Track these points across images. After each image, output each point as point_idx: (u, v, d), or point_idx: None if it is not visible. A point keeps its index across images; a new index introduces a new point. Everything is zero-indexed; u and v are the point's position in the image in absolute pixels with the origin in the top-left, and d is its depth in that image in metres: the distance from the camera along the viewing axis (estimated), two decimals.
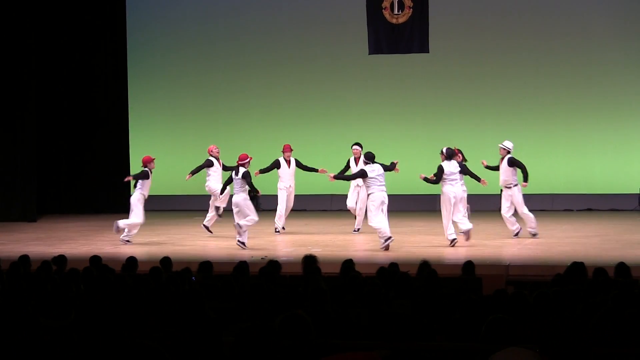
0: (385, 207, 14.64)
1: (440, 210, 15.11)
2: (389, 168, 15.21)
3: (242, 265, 9.92)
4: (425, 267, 9.70)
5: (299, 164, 17.01)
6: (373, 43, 20.36)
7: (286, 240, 16.12)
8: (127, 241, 15.76)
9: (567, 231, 16.95)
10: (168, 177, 22.92)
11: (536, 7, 20.96)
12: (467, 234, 14.75)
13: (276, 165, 16.84)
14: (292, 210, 17.34)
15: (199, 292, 7.26)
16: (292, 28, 22.17)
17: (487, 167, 16.32)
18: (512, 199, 15.77)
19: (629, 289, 7.60)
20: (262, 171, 16.65)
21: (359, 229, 16.77)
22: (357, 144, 16.80)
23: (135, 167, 22.74)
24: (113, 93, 22.73)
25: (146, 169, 15.99)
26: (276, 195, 17.05)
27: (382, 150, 19.65)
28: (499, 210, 16.28)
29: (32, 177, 21.15)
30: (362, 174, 14.73)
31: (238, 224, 14.78)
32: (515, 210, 15.95)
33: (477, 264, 10.43)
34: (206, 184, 16.87)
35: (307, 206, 20.93)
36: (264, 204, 19.79)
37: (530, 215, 15.76)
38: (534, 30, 20.95)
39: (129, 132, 22.71)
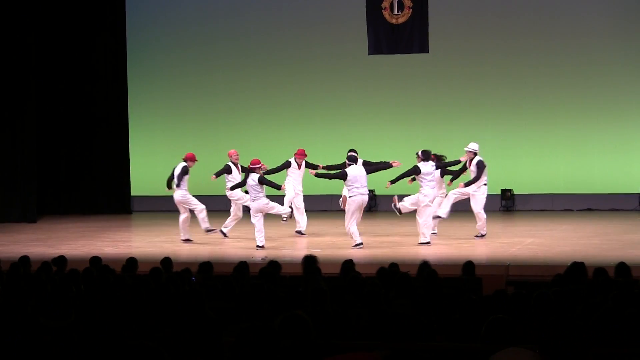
0: (362, 209, 14.97)
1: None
2: (375, 169, 15.29)
3: (242, 266, 9.91)
4: (426, 267, 9.70)
5: (308, 165, 16.69)
6: (373, 43, 20.34)
7: (287, 241, 16.10)
8: (220, 230, 16.00)
9: (567, 231, 16.95)
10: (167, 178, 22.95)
11: (536, 7, 20.97)
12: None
13: (286, 165, 16.53)
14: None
15: (199, 293, 7.26)
16: (292, 28, 22.18)
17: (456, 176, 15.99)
18: (475, 198, 15.53)
19: (629, 289, 7.60)
20: (272, 171, 16.07)
21: None
22: (352, 150, 16.11)
23: (135, 167, 22.76)
24: (113, 93, 22.74)
25: (187, 165, 16.10)
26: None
27: (382, 150, 19.69)
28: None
29: (32, 177, 21.16)
30: (343, 176, 14.78)
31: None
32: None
33: (477, 264, 10.42)
34: (226, 190, 16.59)
35: (307, 206, 20.87)
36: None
37: (484, 217, 15.60)
38: (534, 30, 20.95)
39: (129, 133, 22.72)
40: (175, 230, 18.06)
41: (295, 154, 16.65)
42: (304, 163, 16.65)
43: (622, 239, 15.48)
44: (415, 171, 14.95)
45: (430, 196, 14.94)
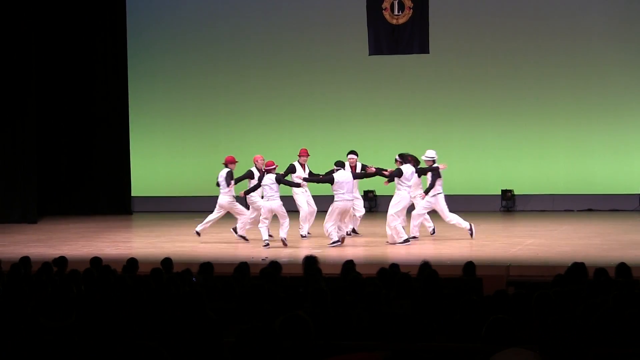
0: (346, 216, 15.26)
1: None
2: (363, 175, 15.57)
3: (242, 266, 9.91)
4: (426, 268, 9.70)
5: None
6: (373, 44, 20.35)
7: (289, 242, 16.08)
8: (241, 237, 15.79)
9: (567, 231, 16.95)
10: (168, 178, 22.96)
11: (537, 8, 20.95)
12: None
13: (291, 170, 16.25)
14: (289, 211, 17.07)
15: (199, 293, 7.26)
16: (292, 29, 22.17)
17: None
18: (436, 206, 15.53)
19: (630, 289, 7.60)
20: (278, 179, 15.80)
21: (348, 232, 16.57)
22: (353, 152, 16.26)
23: (135, 167, 22.76)
24: (113, 94, 22.74)
25: (230, 169, 15.94)
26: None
27: (383, 151, 19.70)
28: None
29: (32, 178, 21.15)
30: (330, 180, 15.02)
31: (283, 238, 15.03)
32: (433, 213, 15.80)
33: (477, 265, 10.42)
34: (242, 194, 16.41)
35: None
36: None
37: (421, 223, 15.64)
38: (534, 31, 20.94)
39: (129, 133, 22.72)
40: (175, 231, 18.08)
41: (298, 155, 16.47)
42: (307, 166, 16.41)
43: (622, 239, 15.47)
44: (399, 174, 15.09)
45: (407, 199, 15.06)
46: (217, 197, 16.16)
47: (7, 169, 21.07)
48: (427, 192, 15.31)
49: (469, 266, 10.25)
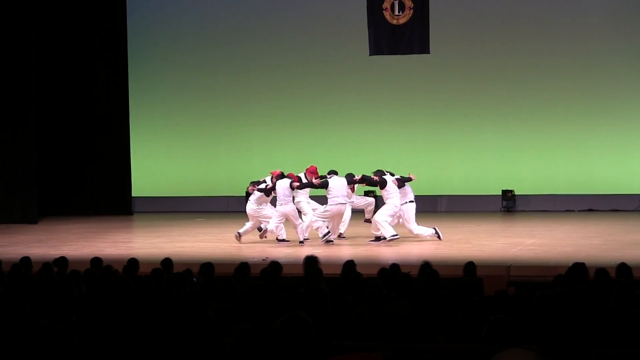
0: (339, 220, 15.64)
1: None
2: (354, 181, 15.78)
3: (243, 267, 9.91)
4: (427, 268, 9.69)
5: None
6: (374, 44, 20.35)
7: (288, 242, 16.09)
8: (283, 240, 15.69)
9: (568, 232, 16.95)
10: (169, 179, 22.96)
11: (537, 8, 20.96)
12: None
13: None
14: None
15: (200, 294, 7.26)
16: (292, 30, 22.17)
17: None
18: (403, 214, 15.56)
19: (630, 290, 7.59)
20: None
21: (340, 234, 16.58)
22: (351, 174, 16.10)
23: (136, 168, 22.76)
24: (114, 95, 22.75)
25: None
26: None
27: (383, 151, 19.72)
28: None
29: (33, 179, 21.15)
30: (324, 184, 15.52)
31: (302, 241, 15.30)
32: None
33: (478, 265, 10.41)
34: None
35: None
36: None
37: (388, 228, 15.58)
38: (534, 31, 20.95)
39: (130, 134, 22.72)
40: (175, 231, 18.09)
41: (306, 171, 16.21)
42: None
43: (623, 239, 15.47)
44: (383, 184, 15.28)
45: (397, 208, 15.27)
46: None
47: (8, 170, 21.08)
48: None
49: (470, 266, 10.24)
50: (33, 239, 17.43)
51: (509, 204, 21.28)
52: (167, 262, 10.82)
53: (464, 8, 21.28)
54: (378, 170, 15.70)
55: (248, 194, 16.27)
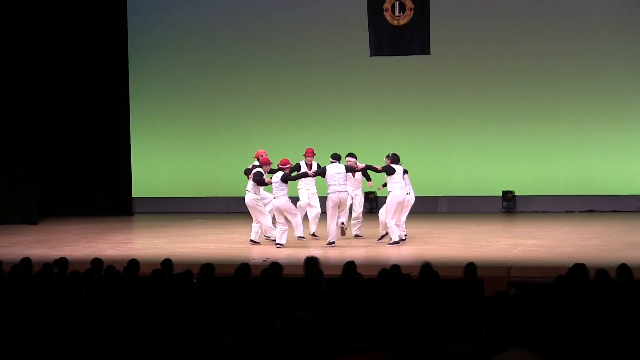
0: (343, 208, 15.23)
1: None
2: (356, 169, 15.62)
3: (243, 267, 9.91)
4: (427, 269, 9.69)
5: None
6: (374, 45, 20.35)
7: (288, 242, 16.09)
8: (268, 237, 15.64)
9: (568, 232, 16.94)
10: (169, 179, 22.96)
11: (538, 9, 20.96)
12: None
13: (296, 169, 16.07)
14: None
15: (200, 294, 7.25)
16: (293, 31, 22.17)
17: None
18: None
19: (631, 291, 7.59)
20: (286, 179, 15.58)
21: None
22: (351, 154, 16.06)
23: (136, 169, 22.77)
24: (114, 95, 22.75)
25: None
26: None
27: (384, 152, 19.69)
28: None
29: (33, 179, 21.15)
30: (322, 172, 15.29)
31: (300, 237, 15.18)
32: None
33: (478, 266, 10.41)
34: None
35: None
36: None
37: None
38: (535, 32, 20.95)
39: (130, 135, 22.72)
40: (176, 232, 18.09)
41: (304, 155, 16.34)
42: (315, 165, 16.24)
43: (623, 240, 15.47)
44: (391, 171, 15.13)
45: (400, 196, 15.07)
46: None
47: (8, 170, 21.07)
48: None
49: (470, 267, 10.24)
50: (33, 239, 17.43)
51: (510, 205, 21.28)
52: (167, 262, 10.82)
53: (465, 9, 21.28)
54: (394, 155, 15.42)
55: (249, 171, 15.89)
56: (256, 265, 10.95)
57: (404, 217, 15.44)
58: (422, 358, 6.00)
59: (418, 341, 6.22)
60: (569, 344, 4.76)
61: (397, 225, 15.12)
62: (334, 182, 15.09)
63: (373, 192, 20.86)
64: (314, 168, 16.19)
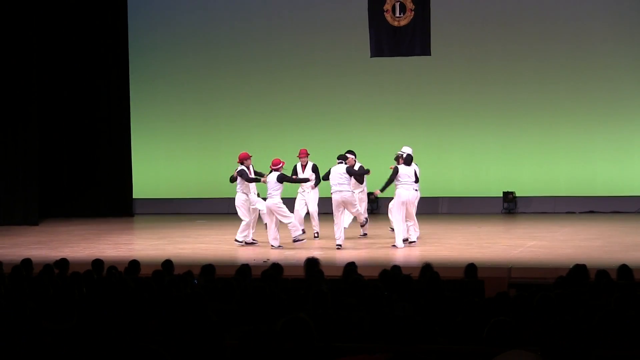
0: (345, 209, 15.19)
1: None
2: (356, 172, 15.61)
3: (244, 268, 9.91)
4: (428, 270, 9.69)
5: (315, 170, 16.33)
6: (375, 46, 20.34)
7: (288, 242, 16.09)
8: (249, 243, 15.58)
9: (569, 233, 16.94)
10: (170, 181, 22.97)
11: (539, 10, 20.96)
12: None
13: (294, 172, 16.22)
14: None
15: (201, 295, 7.25)
16: (293, 32, 22.18)
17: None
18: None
19: (632, 292, 7.60)
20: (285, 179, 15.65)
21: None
22: (350, 152, 16.10)
23: (137, 170, 22.78)
24: (115, 97, 22.76)
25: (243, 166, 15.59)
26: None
27: (384, 153, 19.68)
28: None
29: (34, 180, 21.16)
30: (327, 174, 15.44)
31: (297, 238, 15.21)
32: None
33: (479, 267, 10.42)
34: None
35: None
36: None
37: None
38: (536, 33, 20.95)
39: (131, 136, 22.73)
40: (176, 233, 18.08)
41: (298, 156, 16.44)
42: (310, 165, 16.30)
43: (624, 241, 15.47)
44: (395, 173, 15.23)
45: (403, 196, 15.07)
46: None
47: (9, 171, 21.08)
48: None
49: (471, 268, 10.24)
50: (34, 240, 17.43)
51: (510, 206, 21.27)
52: (168, 263, 10.82)
53: (465, 10, 21.28)
54: (407, 155, 15.37)
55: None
56: (257, 266, 10.95)
57: (413, 212, 15.34)
58: (423, 359, 6.00)
59: (419, 342, 6.22)
60: (570, 345, 4.76)
61: (408, 224, 15.14)
62: (335, 182, 15.10)
63: (373, 193, 20.85)
64: (308, 168, 16.29)
